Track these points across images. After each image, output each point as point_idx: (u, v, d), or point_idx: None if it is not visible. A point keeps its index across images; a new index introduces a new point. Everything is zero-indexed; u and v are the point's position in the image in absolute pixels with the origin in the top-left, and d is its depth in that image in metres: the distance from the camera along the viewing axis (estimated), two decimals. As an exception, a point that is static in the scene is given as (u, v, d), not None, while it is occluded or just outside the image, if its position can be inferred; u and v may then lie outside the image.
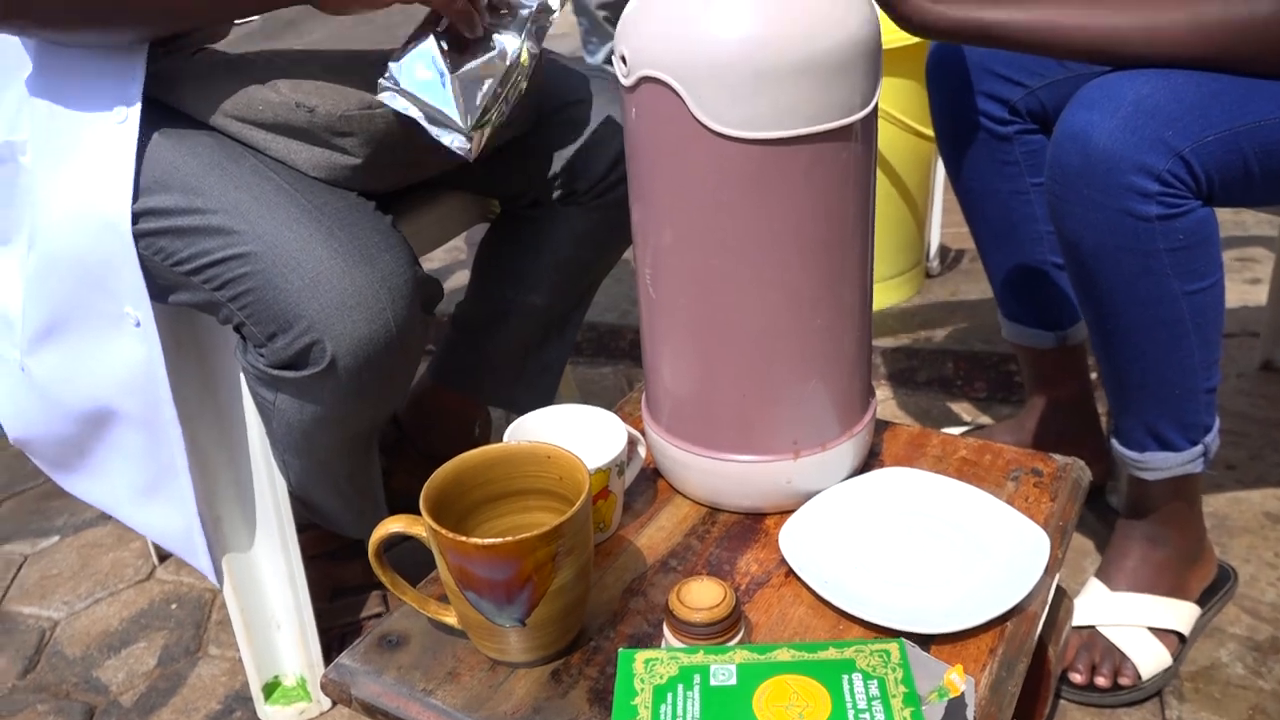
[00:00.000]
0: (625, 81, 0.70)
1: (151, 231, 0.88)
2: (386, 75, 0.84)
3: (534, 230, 1.12)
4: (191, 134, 0.89)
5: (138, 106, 0.87)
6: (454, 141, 0.84)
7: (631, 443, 0.83)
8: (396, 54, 0.85)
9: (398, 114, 0.85)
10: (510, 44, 0.86)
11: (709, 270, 0.72)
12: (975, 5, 0.83)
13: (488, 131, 0.85)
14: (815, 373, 0.76)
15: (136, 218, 0.88)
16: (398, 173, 0.96)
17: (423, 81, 0.83)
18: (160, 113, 0.91)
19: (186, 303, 0.91)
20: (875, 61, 0.69)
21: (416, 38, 0.85)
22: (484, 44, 0.86)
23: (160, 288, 0.91)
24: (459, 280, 2.14)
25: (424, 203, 1.12)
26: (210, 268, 0.86)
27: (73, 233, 0.89)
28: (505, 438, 0.80)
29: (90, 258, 0.89)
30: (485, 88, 0.84)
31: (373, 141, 0.89)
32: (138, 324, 0.90)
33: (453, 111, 0.83)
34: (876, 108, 0.71)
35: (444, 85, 0.83)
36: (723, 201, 0.69)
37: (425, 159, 0.98)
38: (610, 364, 1.82)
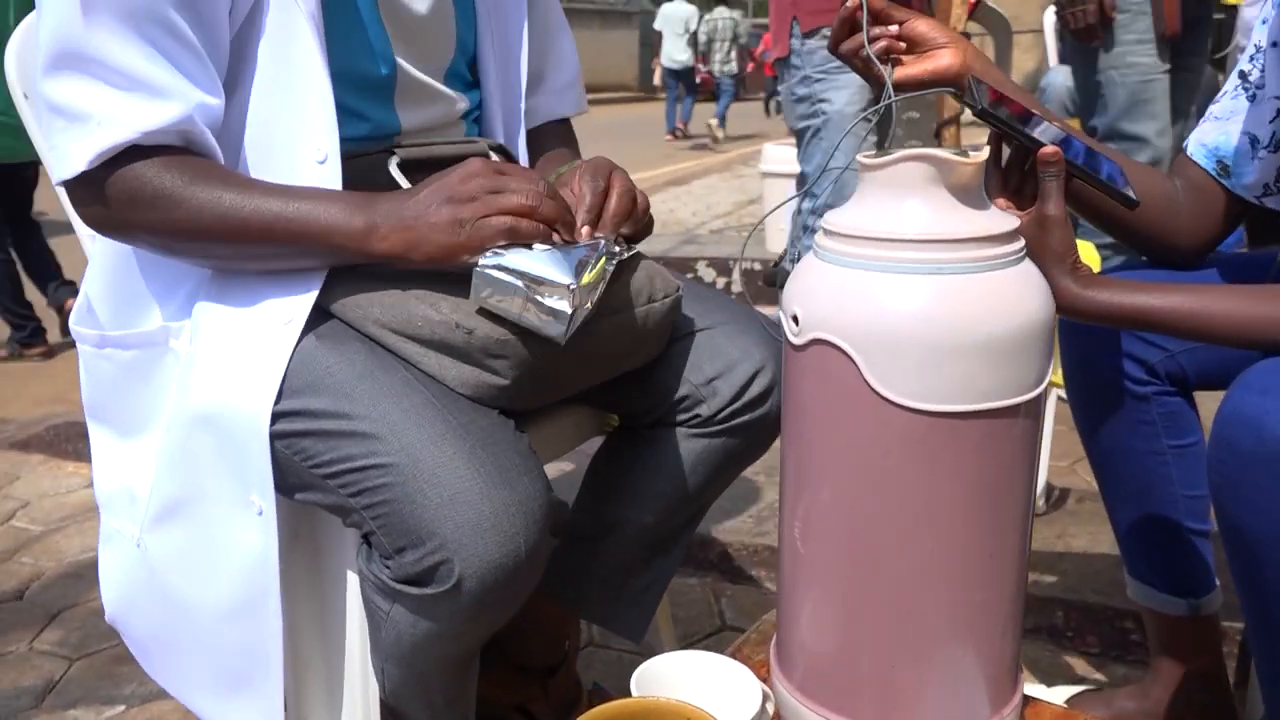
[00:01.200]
0: (795, 340, 0.71)
1: (296, 432, 0.90)
2: (488, 254, 0.86)
3: (652, 450, 1.12)
4: (347, 340, 0.92)
5: (307, 312, 0.92)
6: (558, 302, 0.84)
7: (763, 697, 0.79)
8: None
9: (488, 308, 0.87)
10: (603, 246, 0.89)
11: (865, 534, 0.70)
12: (1126, 289, 0.84)
13: (579, 318, 0.85)
14: (969, 647, 0.73)
15: (284, 416, 0.90)
16: (539, 396, 0.98)
17: (528, 255, 0.86)
18: (318, 316, 0.95)
19: (316, 503, 0.92)
20: (1050, 341, 0.70)
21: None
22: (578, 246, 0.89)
23: (291, 485, 0.93)
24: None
25: (543, 415, 1.13)
26: (349, 474, 0.87)
27: (215, 418, 0.92)
28: (632, 685, 0.77)
29: (227, 443, 0.92)
30: (588, 266, 0.86)
31: (523, 366, 0.91)
32: (260, 513, 0.91)
33: (560, 274, 0.84)
34: (1049, 386, 0.71)
35: (549, 257, 0.85)
36: (888, 467, 0.68)
37: (565, 384, 1.00)
38: (697, 575, 1.78)
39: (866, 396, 0.67)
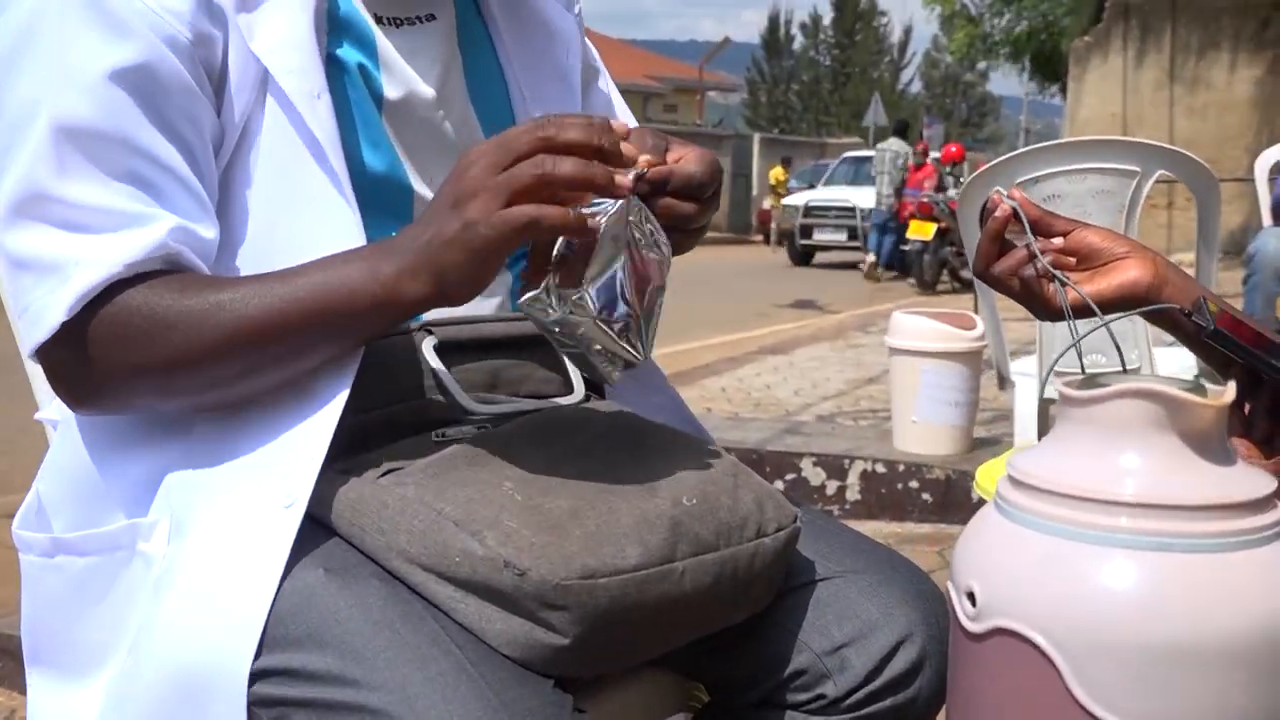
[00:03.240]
0: (969, 625, 0.68)
1: (286, 699, 0.87)
2: (578, 297, 0.90)
3: (756, 738, 1.07)
4: (362, 576, 0.91)
5: (309, 489, 0.92)
6: (613, 373, 0.95)
7: None
8: (584, 280, 0.91)
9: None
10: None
11: None
12: None
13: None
14: None
15: (273, 675, 0.88)
16: (608, 660, 0.95)
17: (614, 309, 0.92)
18: (327, 543, 0.94)
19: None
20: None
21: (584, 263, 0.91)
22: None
23: (274, 770, 0.90)
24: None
25: (609, 683, 1.09)
26: (350, 764, 0.84)
27: (188, 633, 0.91)
28: None
29: (195, 673, 0.90)
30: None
31: (588, 620, 0.88)
32: None
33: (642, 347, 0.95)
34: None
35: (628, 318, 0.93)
36: (1098, 816, 0.63)
37: (643, 645, 0.97)
38: None
39: (1071, 714, 0.64)
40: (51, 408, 1.11)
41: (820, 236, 16.93)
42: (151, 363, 0.93)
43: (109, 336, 0.92)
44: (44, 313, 0.91)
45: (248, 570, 0.91)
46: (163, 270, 0.94)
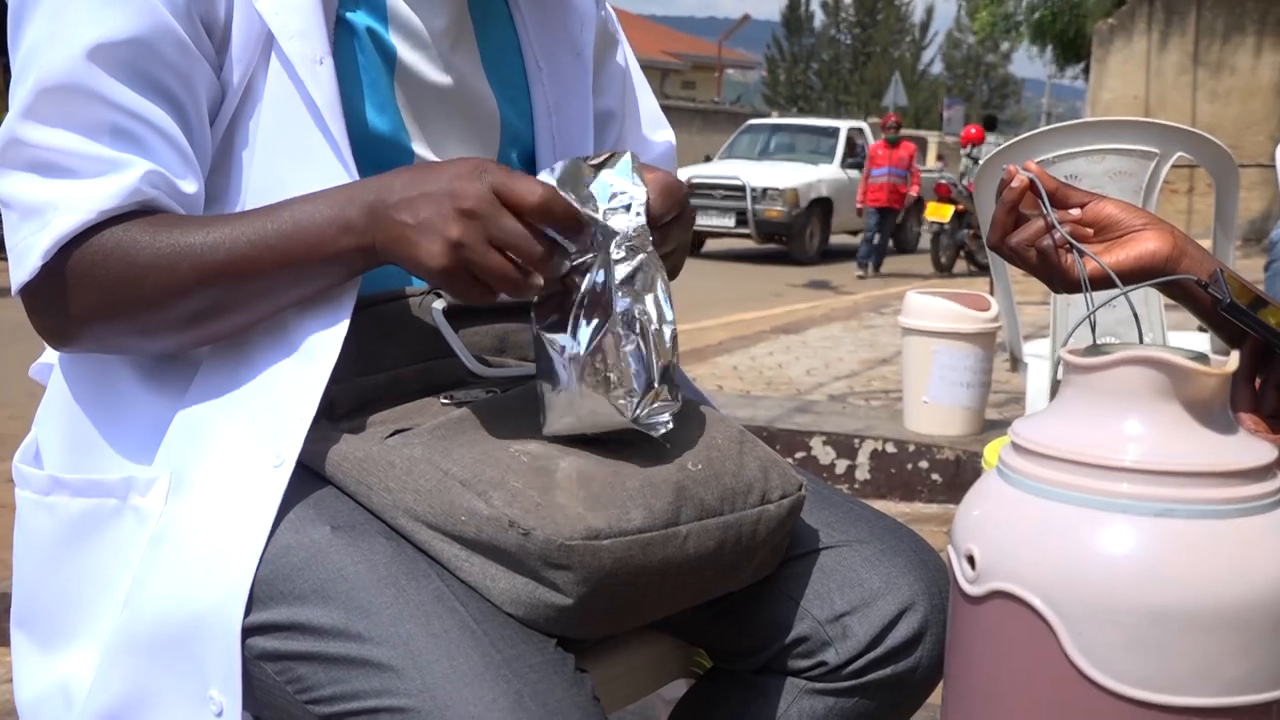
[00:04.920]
0: (968, 588, 0.69)
1: (291, 653, 0.89)
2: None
3: (757, 705, 1.08)
4: (368, 534, 0.93)
5: (298, 448, 0.94)
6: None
7: None
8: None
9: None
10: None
11: None
12: None
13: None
14: None
15: (278, 629, 0.90)
16: (611, 621, 0.96)
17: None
18: (334, 501, 0.96)
19: (312, 751, 0.90)
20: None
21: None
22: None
23: (279, 721, 0.91)
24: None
25: (612, 647, 1.11)
26: (353, 716, 0.86)
27: (183, 591, 0.93)
28: None
29: (190, 625, 0.92)
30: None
31: (591, 581, 0.89)
32: (220, 713, 0.91)
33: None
34: None
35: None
36: (1092, 776, 0.64)
37: (646, 608, 0.98)
38: None
39: (1066, 675, 0.65)
40: (48, 354, 1.13)
41: (704, 221, 13.16)
42: (125, 305, 0.96)
43: (85, 279, 0.95)
44: (26, 254, 0.94)
45: (238, 528, 0.93)
46: (140, 213, 0.96)
